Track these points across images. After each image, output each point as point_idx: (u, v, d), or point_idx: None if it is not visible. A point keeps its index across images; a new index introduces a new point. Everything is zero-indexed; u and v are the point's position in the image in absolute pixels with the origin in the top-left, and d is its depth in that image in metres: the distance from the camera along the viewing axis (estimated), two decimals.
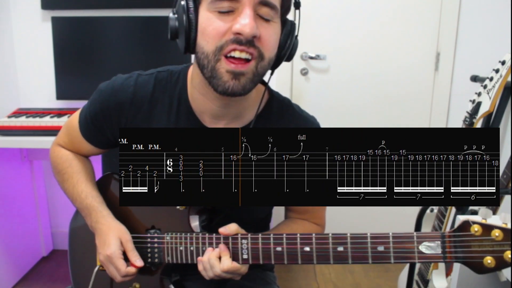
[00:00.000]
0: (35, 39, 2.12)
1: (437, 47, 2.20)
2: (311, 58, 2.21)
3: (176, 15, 0.82)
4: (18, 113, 1.92)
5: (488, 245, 0.64)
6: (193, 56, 0.83)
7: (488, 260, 0.64)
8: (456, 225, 0.68)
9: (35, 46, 2.13)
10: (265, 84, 0.91)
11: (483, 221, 0.65)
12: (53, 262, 2.27)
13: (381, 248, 0.71)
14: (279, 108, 0.93)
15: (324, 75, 2.26)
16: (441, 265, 1.41)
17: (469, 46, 2.15)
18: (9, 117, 1.87)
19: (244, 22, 0.73)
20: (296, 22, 0.84)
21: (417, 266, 1.52)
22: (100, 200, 0.93)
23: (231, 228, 0.81)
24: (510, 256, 0.63)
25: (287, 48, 0.83)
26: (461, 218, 0.69)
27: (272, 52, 0.80)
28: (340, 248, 0.73)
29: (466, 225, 0.66)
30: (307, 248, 0.75)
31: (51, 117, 1.85)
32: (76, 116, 0.98)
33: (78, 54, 2.03)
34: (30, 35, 2.13)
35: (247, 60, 0.77)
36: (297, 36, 0.84)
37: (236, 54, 0.76)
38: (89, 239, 0.93)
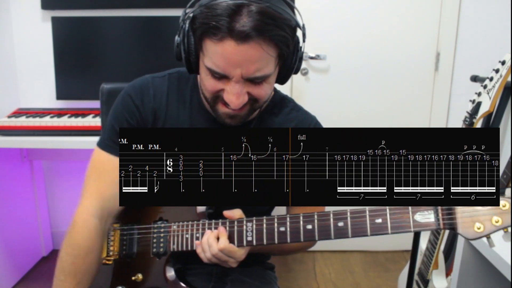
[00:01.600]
0: (35, 39, 2.12)
1: (437, 47, 2.20)
2: (311, 58, 2.21)
3: (180, 43, 0.83)
4: (18, 113, 1.92)
5: (476, 212, 0.70)
6: None
7: (478, 225, 0.69)
8: None
9: (35, 46, 2.13)
10: None
11: None
12: (53, 262, 2.26)
13: (379, 220, 0.74)
14: (281, 102, 0.98)
15: (324, 75, 2.26)
16: (441, 265, 1.41)
17: (469, 46, 2.15)
18: (9, 117, 1.87)
19: (231, 98, 0.79)
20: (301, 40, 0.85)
21: (417, 266, 1.52)
22: None
23: (235, 213, 0.84)
24: (495, 220, 0.69)
25: (288, 73, 0.85)
26: None
27: (266, 96, 0.85)
28: (341, 224, 0.76)
29: None
30: (309, 226, 0.78)
31: (51, 117, 1.85)
32: (98, 154, 0.92)
33: (78, 54, 2.03)
34: (30, 35, 2.13)
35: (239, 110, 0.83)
36: (301, 58, 0.85)
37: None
38: None
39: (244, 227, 0.81)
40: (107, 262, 0.92)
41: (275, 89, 0.98)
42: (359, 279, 2.17)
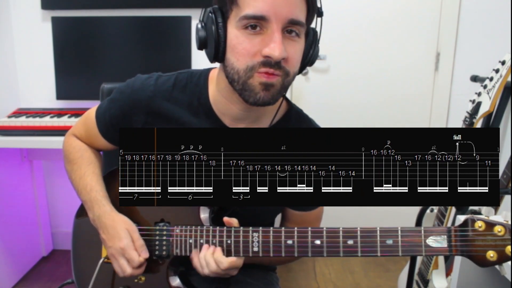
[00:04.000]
0: (35, 39, 2.12)
1: (437, 47, 2.20)
2: None
3: (204, 26, 0.82)
4: (18, 113, 1.92)
5: (491, 240, 0.67)
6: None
7: (491, 254, 0.67)
8: (461, 221, 0.71)
9: (35, 46, 2.13)
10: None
11: (486, 218, 0.69)
12: (53, 262, 2.27)
13: (389, 241, 0.72)
14: (296, 117, 0.96)
15: (324, 75, 2.26)
16: (441, 265, 1.41)
17: (469, 46, 2.15)
18: (9, 117, 1.87)
19: (274, 46, 0.76)
20: (318, 29, 0.85)
21: (417, 266, 1.52)
22: (104, 194, 0.93)
23: (234, 221, 0.83)
24: (511, 250, 0.65)
25: (309, 58, 0.85)
26: (462, 218, 0.71)
27: (296, 68, 0.83)
28: (350, 242, 0.74)
29: (470, 221, 0.69)
30: (317, 242, 0.76)
31: (51, 117, 1.85)
32: (94, 110, 1.01)
33: (78, 54, 2.03)
34: (30, 35, 2.13)
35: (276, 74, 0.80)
36: (318, 42, 0.86)
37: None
38: (93, 233, 0.93)
39: (250, 237, 0.80)
40: (109, 261, 0.91)
41: (290, 102, 0.97)
42: (359, 279, 2.17)
